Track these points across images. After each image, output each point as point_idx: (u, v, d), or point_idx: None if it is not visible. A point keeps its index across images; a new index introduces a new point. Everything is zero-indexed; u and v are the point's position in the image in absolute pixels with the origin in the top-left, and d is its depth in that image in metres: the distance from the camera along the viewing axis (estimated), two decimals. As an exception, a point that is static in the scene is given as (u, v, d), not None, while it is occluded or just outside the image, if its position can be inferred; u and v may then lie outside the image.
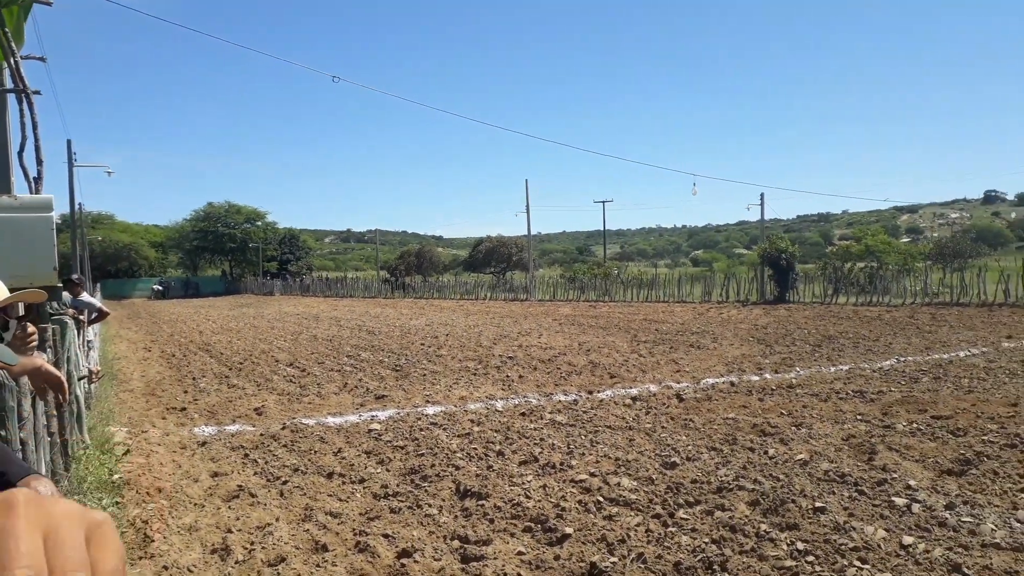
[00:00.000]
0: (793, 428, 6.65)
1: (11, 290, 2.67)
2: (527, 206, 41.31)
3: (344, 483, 5.51)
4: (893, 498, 4.65)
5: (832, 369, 10.20)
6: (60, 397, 2.77)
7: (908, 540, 3.98)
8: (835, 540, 4.02)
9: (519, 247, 62.44)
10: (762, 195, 33.02)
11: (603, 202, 66.22)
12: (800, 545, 3.98)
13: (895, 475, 5.11)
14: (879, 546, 3.93)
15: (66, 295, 8.48)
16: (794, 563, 3.76)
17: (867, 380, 9.10)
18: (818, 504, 4.55)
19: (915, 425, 6.58)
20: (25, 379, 2.50)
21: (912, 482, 4.94)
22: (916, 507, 4.47)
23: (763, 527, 4.25)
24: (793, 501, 4.63)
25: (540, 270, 58.64)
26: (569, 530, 4.30)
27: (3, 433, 2.04)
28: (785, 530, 4.22)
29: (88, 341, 9.43)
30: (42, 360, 2.60)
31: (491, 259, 65.49)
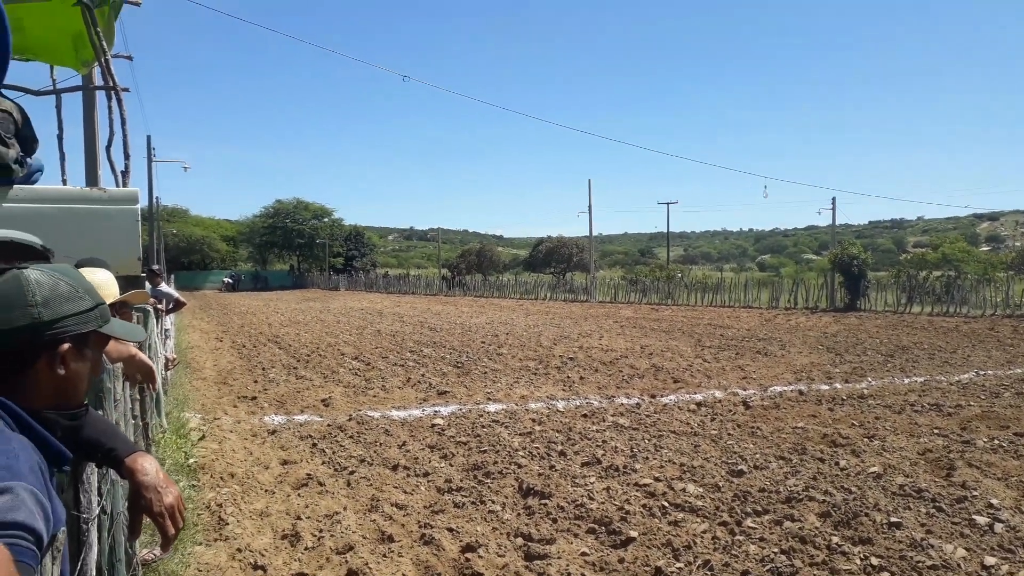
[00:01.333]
0: (865, 440, 6.44)
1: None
2: (589, 206, 41.08)
3: (409, 476, 5.59)
4: (974, 516, 4.46)
5: (906, 380, 9.84)
6: (150, 385, 2.90)
7: (991, 561, 3.81)
8: (911, 557, 3.88)
9: (580, 248, 62.20)
10: (833, 199, 32.17)
11: (667, 204, 65.39)
12: (874, 560, 3.86)
13: (976, 492, 4.90)
14: (959, 565, 3.78)
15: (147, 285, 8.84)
16: (868, 578, 3.64)
17: (944, 393, 8.75)
18: (893, 519, 4.40)
19: (996, 441, 6.29)
20: (119, 364, 2.62)
21: (994, 500, 4.73)
22: (999, 527, 4.28)
23: (835, 540, 4.13)
24: (866, 515, 4.48)
25: (601, 271, 58.28)
26: (634, 533, 4.27)
27: (101, 413, 2.15)
28: (858, 544, 4.10)
29: (166, 330, 9.82)
30: (135, 349, 2.73)
31: (551, 259, 65.42)
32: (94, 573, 1.76)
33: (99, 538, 1.87)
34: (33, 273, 1.34)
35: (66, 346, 1.35)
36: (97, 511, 1.80)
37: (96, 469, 1.82)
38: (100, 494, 1.85)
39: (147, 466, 1.51)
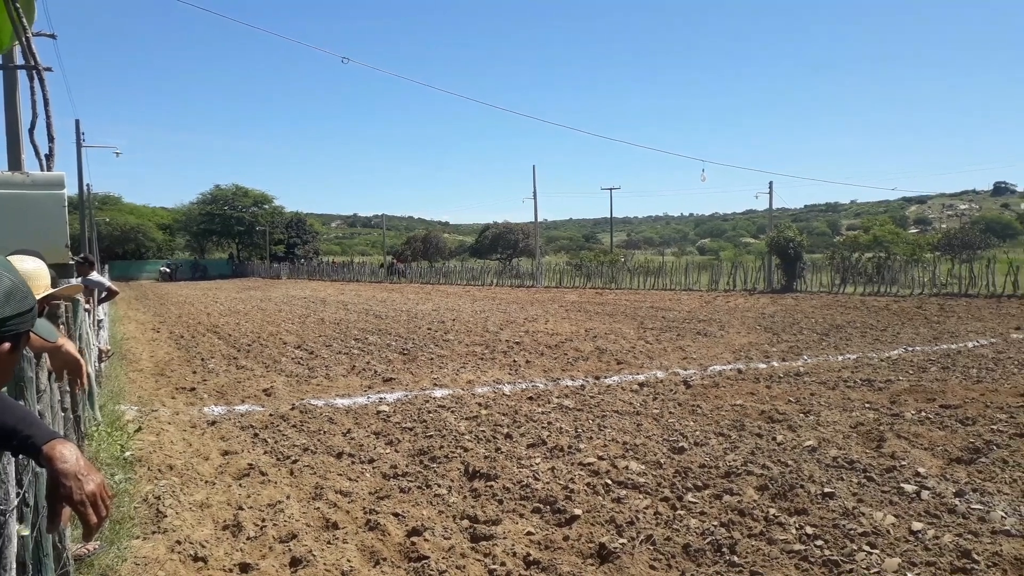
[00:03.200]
0: (801, 415, 6.65)
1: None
2: (534, 192, 41.24)
3: (353, 463, 5.54)
4: (902, 485, 4.65)
5: (840, 358, 10.18)
6: (78, 380, 2.79)
7: (917, 526, 3.98)
8: (844, 525, 4.03)
9: (526, 233, 62.35)
10: (771, 183, 32.87)
11: (610, 189, 66.14)
12: (809, 530, 3.99)
13: (904, 462, 5.11)
14: (888, 531, 3.94)
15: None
16: (803, 547, 3.77)
17: (875, 369, 9.09)
18: (827, 490, 4.56)
19: (924, 414, 6.57)
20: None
21: (921, 469, 4.94)
22: (925, 494, 4.47)
23: (772, 511, 4.26)
24: (802, 486, 4.63)
25: (546, 257, 58.57)
26: (578, 511, 4.32)
27: (22, 403, 2.07)
28: (794, 515, 4.23)
29: (99, 320, 9.48)
30: (63, 339, 2.62)
31: (497, 245, 65.44)
32: (15, 568, 1.69)
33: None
34: None
35: (6, 346, 1.29)
36: (16, 502, 1.72)
37: (13, 459, 1.74)
38: (20, 485, 1.77)
39: (66, 453, 1.43)
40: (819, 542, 3.84)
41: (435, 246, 64.38)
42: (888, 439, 5.72)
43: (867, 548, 3.74)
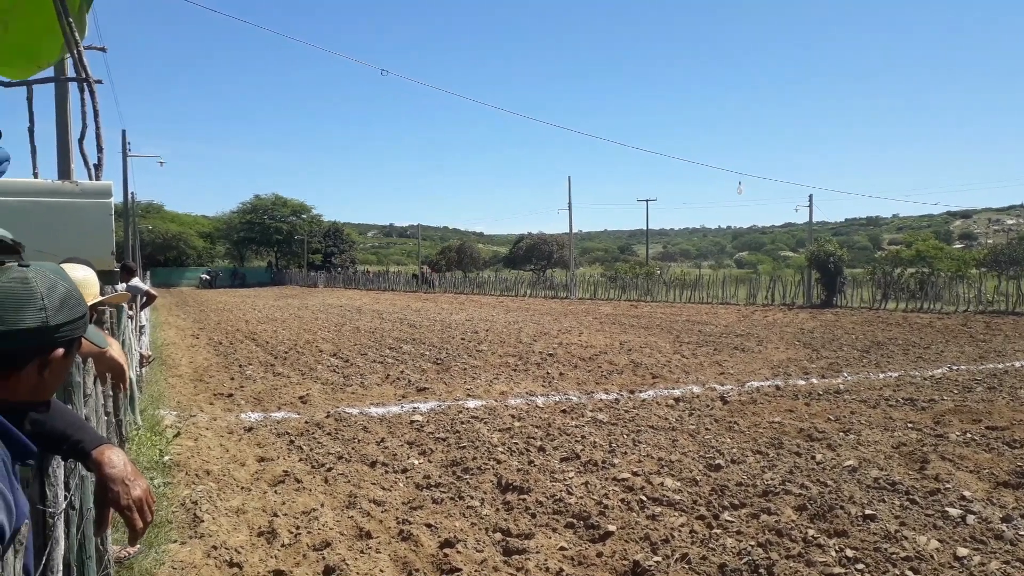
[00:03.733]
0: (841, 434, 6.51)
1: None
2: (569, 203, 41.20)
3: (387, 472, 5.56)
4: (947, 508, 4.52)
5: (881, 376, 9.96)
6: (120, 385, 2.85)
7: (963, 552, 3.86)
8: (886, 549, 3.92)
9: (560, 245, 62.30)
10: (811, 197, 32.35)
11: (647, 201, 65.69)
12: (849, 552, 3.90)
13: (948, 485, 4.97)
14: (932, 557, 3.82)
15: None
16: (843, 570, 3.68)
17: (918, 388, 8.87)
18: (868, 512, 4.45)
19: (969, 435, 6.38)
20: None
21: (967, 493, 4.80)
22: (971, 518, 4.34)
23: (810, 532, 4.17)
24: (841, 507, 4.53)
25: (581, 268, 58.43)
26: (612, 528, 4.28)
27: (70, 407, 2.12)
28: (833, 536, 4.14)
29: (140, 326, 9.69)
30: (107, 345, 2.67)
31: (531, 256, 65.51)
32: (61, 569, 1.73)
33: (67, 534, 1.83)
34: (34, 273, 1.31)
35: (60, 351, 1.33)
36: (64, 505, 1.76)
37: (63, 463, 1.78)
38: (68, 488, 1.81)
39: (114, 459, 1.47)
40: (860, 565, 3.74)
41: (469, 256, 64.71)
42: (932, 461, 5.57)
43: (910, 573, 3.64)
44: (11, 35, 4.73)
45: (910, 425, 6.84)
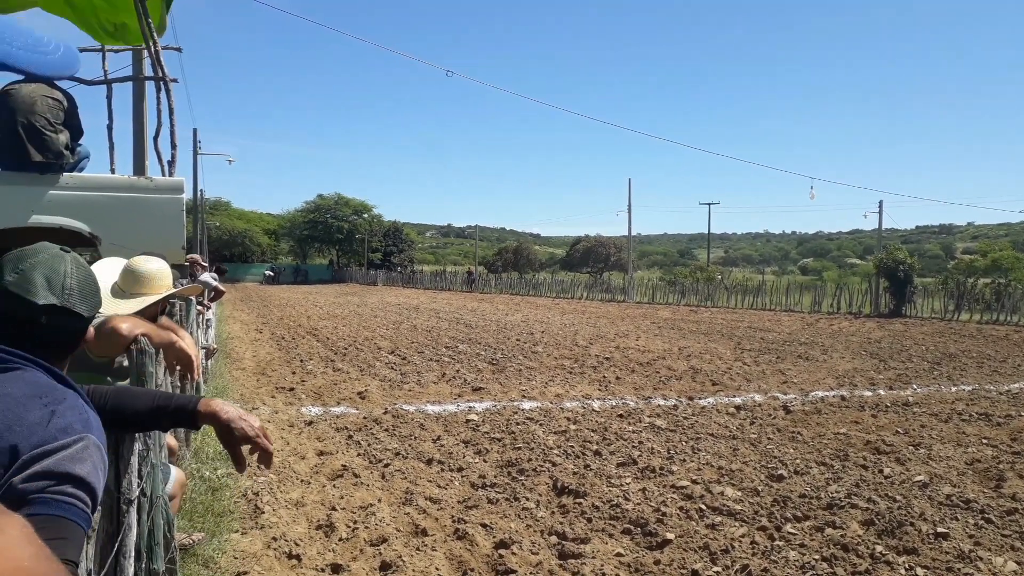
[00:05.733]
0: (910, 448, 6.27)
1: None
2: (628, 205, 40.83)
3: (443, 470, 5.59)
4: (1026, 530, 4.29)
5: (953, 389, 9.56)
6: (189, 375, 2.93)
7: (1044, 577, 3.66)
8: (959, 569, 3.75)
9: (618, 248, 61.80)
10: (880, 203, 31.41)
11: (709, 204, 64.73)
12: (920, 571, 3.73)
13: (1028, 506, 4.72)
14: (1010, 580, 3.64)
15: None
16: (913, 590, 3.53)
17: (993, 403, 8.48)
18: (940, 529, 4.26)
19: (1050, 454, 6.07)
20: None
21: (1048, 515, 4.55)
22: (1053, 542, 4.11)
23: (878, 549, 4.01)
24: (911, 524, 4.35)
25: (639, 272, 57.83)
26: (670, 536, 4.20)
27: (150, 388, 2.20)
28: (903, 554, 3.97)
29: (207, 320, 9.99)
30: (176, 336, 2.75)
31: (588, 259, 65.18)
32: (133, 554, 1.77)
33: (138, 520, 1.88)
34: (78, 258, 1.43)
35: (92, 332, 1.44)
36: (137, 492, 1.81)
37: (135, 451, 1.83)
38: (140, 476, 1.86)
39: (222, 405, 1.64)
40: (932, 586, 3.58)
41: (526, 258, 64.76)
42: (1008, 479, 5.30)
43: (986, 597, 3.47)
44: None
45: (985, 441, 6.54)
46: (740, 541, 4.15)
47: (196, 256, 10.86)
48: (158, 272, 2.79)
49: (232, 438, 1.62)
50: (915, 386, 9.73)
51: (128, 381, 2.21)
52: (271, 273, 63.78)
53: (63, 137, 4.78)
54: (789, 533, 4.28)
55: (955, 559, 3.89)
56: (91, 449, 1.15)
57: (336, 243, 73.65)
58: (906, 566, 3.81)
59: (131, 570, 1.74)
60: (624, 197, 40.24)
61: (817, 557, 3.91)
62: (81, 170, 5.18)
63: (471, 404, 8.24)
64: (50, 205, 4.84)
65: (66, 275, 1.32)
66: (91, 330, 1.41)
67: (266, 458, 1.70)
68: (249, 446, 1.66)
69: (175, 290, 2.86)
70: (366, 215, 74.59)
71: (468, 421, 7.29)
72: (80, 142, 5.12)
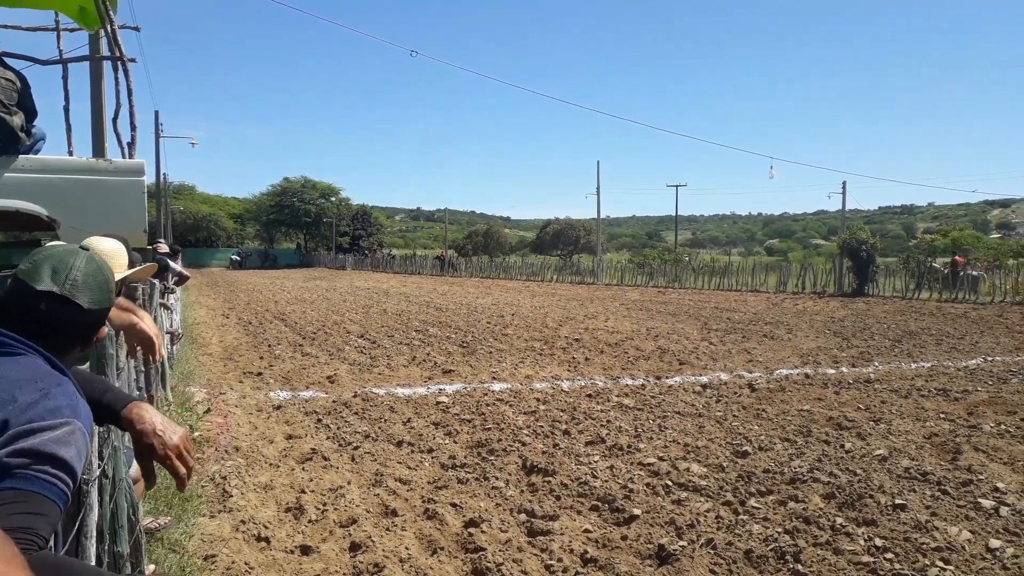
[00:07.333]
0: (871, 423, 6.42)
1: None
2: (597, 188, 41.00)
3: (413, 452, 5.60)
4: (979, 500, 4.44)
5: (913, 365, 9.79)
6: (150, 357, 2.89)
7: (995, 543, 3.79)
8: (916, 539, 3.87)
9: (587, 230, 62.00)
10: (844, 184, 31.85)
11: (676, 186, 64.90)
12: (878, 541, 3.84)
13: (981, 476, 4.88)
14: (963, 548, 3.76)
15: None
16: (872, 559, 3.63)
17: (951, 378, 8.71)
18: (898, 501, 4.39)
19: (1003, 427, 6.26)
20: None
21: (1000, 485, 4.70)
22: (1004, 510, 4.26)
23: (839, 521, 4.12)
24: (871, 496, 4.47)
25: (608, 254, 58.11)
26: (637, 511, 4.26)
27: (103, 377, 2.15)
28: (862, 525, 4.08)
29: (171, 304, 9.83)
30: (136, 318, 2.71)
31: (558, 241, 65.30)
32: (94, 535, 1.76)
33: (100, 502, 1.86)
34: (93, 255, 1.49)
35: (105, 329, 1.45)
36: (97, 473, 1.79)
37: (96, 432, 1.81)
38: (101, 457, 1.84)
39: (144, 414, 1.54)
40: (889, 555, 3.69)
41: (496, 241, 64.68)
42: (964, 452, 5.47)
43: (940, 564, 3.59)
44: None
45: (943, 415, 6.72)
46: (705, 516, 4.22)
47: (160, 241, 10.67)
48: (111, 252, 2.74)
49: (143, 451, 1.53)
50: (877, 363, 9.95)
51: (87, 365, 2.18)
52: (237, 258, 62.89)
53: (17, 119, 4.65)
54: (753, 507, 4.37)
55: (912, 529, 4.01)
56: (77, 435, 1.18)
57: (303, 227, 72.77)
58: (865, 537, 3.92)
59: (93, 550, 1.72)
60: (593, 180, 40.44)
61: (780, 530, 4.01)
62: (37, 152, 5.05)
63: (441, 386, 8.25)
64: (5, 188, 4.71)
65: (73, 268, 1.36)
66: (104, 329, 1.44)
67: (177, 481, 1.59)
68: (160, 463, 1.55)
69: (128, 272, 2.80)
70: (333, 198, 73.77)
71: (438, 403, 7.30)
72: (35, 124, 4.99)
